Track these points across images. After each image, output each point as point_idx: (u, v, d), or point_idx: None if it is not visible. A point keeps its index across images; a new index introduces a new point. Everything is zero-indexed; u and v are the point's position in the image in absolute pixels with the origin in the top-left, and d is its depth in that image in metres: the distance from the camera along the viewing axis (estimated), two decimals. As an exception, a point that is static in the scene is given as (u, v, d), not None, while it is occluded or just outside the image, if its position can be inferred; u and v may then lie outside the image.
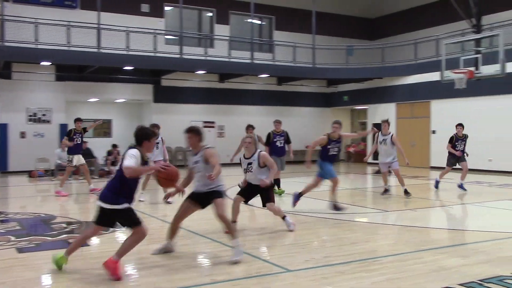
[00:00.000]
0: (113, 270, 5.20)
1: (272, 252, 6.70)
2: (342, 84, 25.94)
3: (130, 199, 5.43)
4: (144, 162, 5.45)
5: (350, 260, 6.00)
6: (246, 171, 7.75)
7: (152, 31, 20.58)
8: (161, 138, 11.21)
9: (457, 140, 13.11)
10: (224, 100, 23.80)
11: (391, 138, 11.90)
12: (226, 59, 22.06)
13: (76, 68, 20.17)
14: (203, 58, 21.69)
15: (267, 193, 7.71)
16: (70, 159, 12.97)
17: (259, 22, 25.50)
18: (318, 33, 23.85)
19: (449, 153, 13.20)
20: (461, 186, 12.91)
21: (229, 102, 23.95)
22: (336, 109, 26.98)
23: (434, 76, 17.96)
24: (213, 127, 23.56)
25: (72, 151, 13.02)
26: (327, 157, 9.90)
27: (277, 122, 13.20)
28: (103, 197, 5.42)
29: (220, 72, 22.78)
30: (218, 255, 6.29)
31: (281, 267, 5.71)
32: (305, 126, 25.77)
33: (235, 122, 23.80)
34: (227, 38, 23.19)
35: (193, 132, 6.23)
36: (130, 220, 5.42)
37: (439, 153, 20.99)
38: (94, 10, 18.97)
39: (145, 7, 22.44)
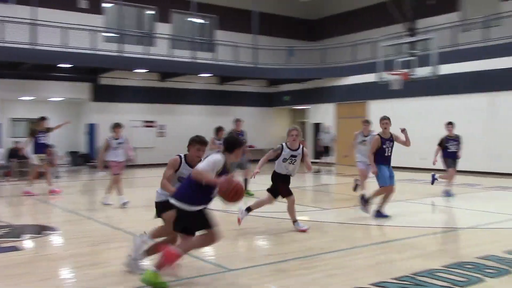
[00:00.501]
0: (170, 258, 4.78)
1: (213, 252, 6.69)
2: (283, 84, 26.24)
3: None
4: (225, 170, 5.01)
5: (290, 257, 6.08)
6: (286, 161, 7.70)
7: (90, 28, 20.05)
8: (125, 138, 10.97)
9: (448, 141, 12.06)
10: (165, 99, 23.50)
11: (371, 138, 11.17)
12: (167, 58, 21.82)
13: (9, 65, 19.34)
14: (143, 56, 21.34)
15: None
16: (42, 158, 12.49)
17: (201, 21, 25.37)
18: (260, 33, 24.02)
19: (444, 155, 12.08)
20: (446, 192, 11.84)
21: (171, 102, 23.69)
22: (278, 109, 27.27)
23: (371, 77, 18.50)
24: (154, 126, 23.23)
25: (37, 151, 12.46)
26: (382, 159, 8.85)
27: (238, 121, 12.55)
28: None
29: (161, 71, 22.50)
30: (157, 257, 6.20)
31: (222, 266, 5.71)
32: (247, 125, 25.80)
33: (176, 122, 23.59)
34: (168, 36, 22.95)
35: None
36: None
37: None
38: (30, 5, 18.27)
39: (83, 3, 21.82)
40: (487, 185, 14.09)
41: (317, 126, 23.89)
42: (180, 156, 5.61)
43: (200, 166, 4.94)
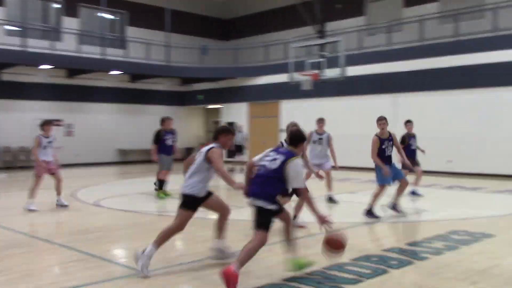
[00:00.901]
0: (232, 282, 4.73)
1: (125, 254, 6.53)
2: (196, 83, 26.11)
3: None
4: None
5: (204, 257, 6.07)
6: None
7: (-11, 20, 18.83)
8: (54, 137, 10.36)
9: (410, 139, 11.82)
10: (73, 97, 22.54)
11: (328, 137, 10.92)
12: (75, 54, 20.97)
13: None
14: (49, 51, 20.36)
15: None
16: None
17: (111, 16, 24.62)
18: (172, 31, 23.74)
19: (407, 153, 10.63)
20: (414, 193, 11.65)
21: (79, 99, 22.76)
22: (191, 108, 27.10)
23: (283, 78, 18.89)
24: (61, 125, 22.20)
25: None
26: (382, 160, 8.74)
27: (168, 119, 12.09)
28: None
29: (69, 68, 21.54)
30: (66, 261, 5.96)
31: (134, 268, 5.58)
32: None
33: (85, 120, 22.74)
34: (76, 31, 22.05)
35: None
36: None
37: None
38: None
39: (-19, -6, 20.48)
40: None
41: (230, 126, 24.01)
42: (218, 146, 5.78)
43: (297, 176, 5.11)
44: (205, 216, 9.41)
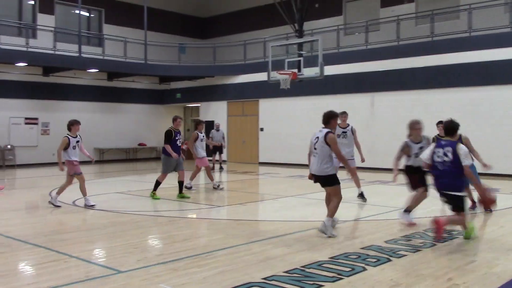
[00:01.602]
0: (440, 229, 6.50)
1: (102, 254, 6.47)
2: (174, 82, 25.98)
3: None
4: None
5: (183, 256, 6.05)
6: (417, 155, 7.83)
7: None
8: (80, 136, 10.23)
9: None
10: (49, 95, 22.21)
11: (351, 130, 10.79)
12: (51, 52, 20.67)
13: None
14: (24, 49, 20.02)
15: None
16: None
17: (87, 14, 24.32)
18: (150, 29, 23.56)
19: None
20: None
21: (55, 98, 22.43)
22: (169, 106, 26.95)
23: (261, 76, 18.91)
24: (36, 123, 21.86)
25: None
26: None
27: (179, 118, 11.73)
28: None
29: (44, 65, 21.22)
30: (42, 262, 5.88)
31: (112, 268, 5.53)
32: (138, 123, 25.34)
33: (61, 119, 22.35)
34: (51, 29, 21.73)
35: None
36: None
37: (266, 150, 22.23)
38: None
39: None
40: (369, 180, 14.98)
41: (209, 124, 23.95)
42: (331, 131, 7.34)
43: (466, 155, 6.55)
44: (184, 215, 9.40)
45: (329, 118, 7.46)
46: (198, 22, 28.81)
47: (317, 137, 7.33)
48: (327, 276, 5.17)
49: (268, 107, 22.31)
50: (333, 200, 7.29)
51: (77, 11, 21.84)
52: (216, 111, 24.41)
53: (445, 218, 6.74)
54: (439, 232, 6.58)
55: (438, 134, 11.24)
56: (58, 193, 10.00)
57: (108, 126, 24.01)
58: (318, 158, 7.21)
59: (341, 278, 5.11)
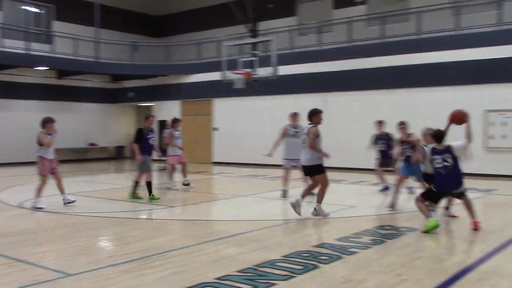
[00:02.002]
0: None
1: (51, 257, 6.29)
2: (127, 80, 25.56)
3: None
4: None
5: (135, 258, 5.96)
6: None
7: None
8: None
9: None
10: (-6, 94, 21.43)
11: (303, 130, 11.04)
12: (-3, 48, 19.95)
13: None
14: (-33, 45, 19.25)
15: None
16: None
17: (36, 10, 23.59)
18: (102, 26, 23.09)
19: (379, 152, 12.18)
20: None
21: (1, 96, 21.63)
22: (122, 105, 26.50)
23: (216, 76, 18.85)
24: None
25: None
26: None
27: (152, 117, 11.30)
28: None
29: (-10, 62, 20.45)
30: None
31: (61, 272, 5.39)
32: (89, 122, 24.79)
33: (7, 118, 21.69)
34: (-3, 25, 20.97)
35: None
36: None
37: (220, 149, 22.20)
38: None
39: None
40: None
41: (163, 124, 23.71)
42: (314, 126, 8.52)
43: (460, 149, 7.50)
44: (136, 216, 9.27)
45: (311, 115, 8.70)
46: (151, 21, 28.44)
47: (305, 132, 8.57)
48: (280, 275, 5.21)
49: (222, 107, 22.27)
50: (320, 188, 8.41)
51: (25, 7, 21.15)
52: (169, 111, 24.15)
53: (472, 213, 7.51)
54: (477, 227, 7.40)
55: (378, 133, 12.28)
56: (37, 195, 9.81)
57: (58, 125, 23.06)
58: (305, 150, 8.40)
59: (294, 276, 5.16)
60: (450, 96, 16.55)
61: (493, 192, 12.25)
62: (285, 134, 11.15)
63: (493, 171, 15.62)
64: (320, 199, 8.36)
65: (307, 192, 8.73)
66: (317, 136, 8.33)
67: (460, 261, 5.80)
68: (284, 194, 11.01)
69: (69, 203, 9.89)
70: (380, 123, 12.47)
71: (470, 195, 11.18)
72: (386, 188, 11.78)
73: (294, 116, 11.45)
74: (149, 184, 10.74)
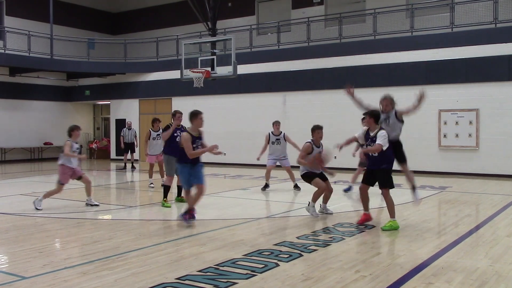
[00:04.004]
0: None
1: (4, 259, 6.09)
2: (83, 78, 25.01)
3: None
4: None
5: (93, 259, 5.84)
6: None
7: None
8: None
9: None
10: None
11: (284, 136, 12.33)
12: None
13: None
14: None
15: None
16: None
17: (-14, 4, 22.80)
18: (56, 22, 22.52)
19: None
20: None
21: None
22: (78, 103, 25.93)
23: (174, 74, 18.70)
24: None
25: None
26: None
27: (180, 113, 11.15)
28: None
29: None
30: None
31: (15, 275, 5.23)
32: (43, 121, 24.14)
33: (-43, 116, 20.88)
34: None
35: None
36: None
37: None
38: None
39: None
40: (281, 177, 15.28)
41: (120, 122, 23.32)
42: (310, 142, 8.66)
43: (380, 136, 7.61)
44: (93, 217, 9.08)
45: (312, 131, 8.77)
46: (108, 17, 27.94)
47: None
48: (241, 274, 5.22)
49: (181, 105, 21.97)
50: (316, 190, 8.56)
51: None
52: (127, 109, 23.80)
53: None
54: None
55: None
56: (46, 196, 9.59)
57: (10, 124, 22.68)
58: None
59: (255, 275, 5.17)
60: (406, 96, 16.92)
61: (446, 189, 12.62)
62: (268, 141, 12.45)
63: (446, 169, 16.12)
64: (314, 199, 8.56)
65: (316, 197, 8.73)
66: (308, 152, 8.53)
67: (416, 257, 5.94)
68: (265, 188, 12.27)
69: (92, 205, 9.79)
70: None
71: (425, 192, 11.50)
72: (349, 189, 11.83)
73: (275, 124, 12.49)
74: (165, 188, 10.07)
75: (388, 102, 8.36)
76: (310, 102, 18.64)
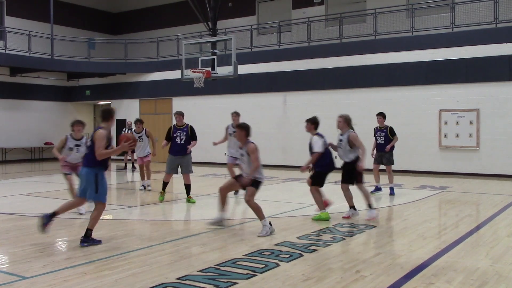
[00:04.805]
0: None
1: (5, 259, 6.09)
2: (83, 78, 25.01)
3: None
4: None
5: (94, 259, 5.85)
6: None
7: None
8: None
9: (377, 132, 11.77)
10: None
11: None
12: None
13: None
14: None
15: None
16: None
17: (-14, 4, 22.81)
18: (57, 22, 22.52)
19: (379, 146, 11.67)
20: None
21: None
22: (78, 103, 25.93)
23: (175, 74, 18.68)
24: None
25: None
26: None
27: (179, 115, 11.14)
28: None
29: None
30: None
31: (16, 275, 5.23)
32: (44, 121, 24.13)
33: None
34: None
35: (241, 128, 7.31)
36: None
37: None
38: None
39: None
40: (282, 177, 15.30)
41: (121, 123, 23.31)
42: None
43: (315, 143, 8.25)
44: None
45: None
46: (109, 17, 27.94)
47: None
48: (241, 274, 5.22)
49: (181, 106, 22.04)
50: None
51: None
52: (127, 109, 23.80)
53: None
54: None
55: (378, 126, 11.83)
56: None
57: (11, 124, 22.68)
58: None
59: (255, 275, 5.17)
60: (406, 96, 16.97)
61: (447, 189, 12.61)
62: (226, 132, 11.82)
63: (447, 169, 16.11)
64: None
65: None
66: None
67: (416, 257, 5.94)
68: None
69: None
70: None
71: (426, 192, 11.50)
72: (378, 189, 11.71)
73: (235, 115, 11.81)
74: (163, 183, 10.67)
75: (342, 120, 8.60)
76: (311, 102, 18.63)
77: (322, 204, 8.30)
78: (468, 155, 15.96)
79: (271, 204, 10.14)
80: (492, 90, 15.64)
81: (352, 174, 8.42)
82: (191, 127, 10.97)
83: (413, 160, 16.65)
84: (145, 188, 12.50)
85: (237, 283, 4.92)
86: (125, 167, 18.90)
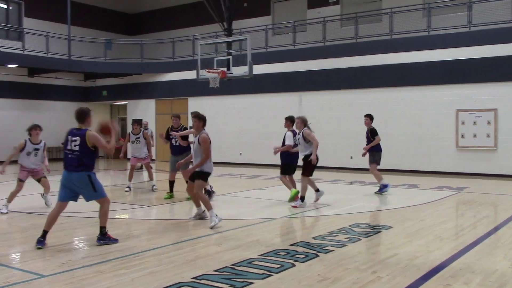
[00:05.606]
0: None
1: (23, 257, 6.17)
2: (100, 79, 25.23)
3: None
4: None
5: (110, 258, 5.90)
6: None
7: None
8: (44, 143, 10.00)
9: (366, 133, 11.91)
10: (-37, 91, 20.91)
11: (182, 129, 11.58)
12: (-35, 45, 19.48)
13: None
14: None
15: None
16: None
17: (5, 6, 23.09)
18: (74, 24, 22.75)
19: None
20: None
21: (-30, 94, 21.17)
22: (95, 104, 26.14)
23: (191, 74, 18.76)
24: None
25: None
26: None
27: (175, 117, 11.42)
28: None
29: (-42, 59, 19.95)
30: None
31: (34, 273, 5.30)
32: (61, 121, 24.34)
33: (-23, 117, 21.21)
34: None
35: (199, 119, 8.08)
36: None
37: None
38: None
39: None
40: (296, 177, 15.24)
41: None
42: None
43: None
44: (110, 216, 9.14)
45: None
46: (125, 18, 28.15)
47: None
48: (257, 274, 5.22)
49: (197, 106, 22.12)
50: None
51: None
52: (144, 109, 23.96)
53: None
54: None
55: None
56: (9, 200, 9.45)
57: (28, 124, 22.82)
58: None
59: (271, 275, 5.17)
60: (422, 96, 16.83)
61: (464, 190, 12.48)
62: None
63: (464, 170, 15.95)
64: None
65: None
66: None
67: (434, 258, 5.89)
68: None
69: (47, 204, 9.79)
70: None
71: (443, 193, 11.40)
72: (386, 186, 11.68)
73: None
74: (169, 183, 11.26)
75: (299, 121, 9.85)
76: (326, 102, 18.58)
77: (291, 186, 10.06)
78: (485, 155, 15.78)
79: (286, 205, 10.12)
80: (510, 90, 15.44)
81: (306, 166, 9.63)
82: (185, 128, 11.49)
83: (430, 160, 16.51)
84: (130, 189, 12.65)
85: (252, 283, 4.93)
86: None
